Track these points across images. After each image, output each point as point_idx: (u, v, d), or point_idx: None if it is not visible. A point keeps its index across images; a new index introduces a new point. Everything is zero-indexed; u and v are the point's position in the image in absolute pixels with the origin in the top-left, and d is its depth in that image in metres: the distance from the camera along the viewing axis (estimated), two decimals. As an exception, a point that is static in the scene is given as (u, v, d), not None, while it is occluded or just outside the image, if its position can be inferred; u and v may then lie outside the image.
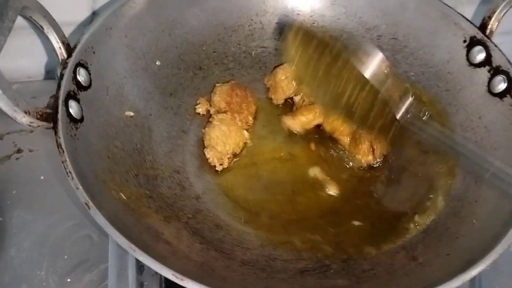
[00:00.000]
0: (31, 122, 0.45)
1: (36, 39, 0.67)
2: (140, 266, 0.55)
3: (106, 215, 0.41)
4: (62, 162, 0.43)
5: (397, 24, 0.66)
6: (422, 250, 0.49)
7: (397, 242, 0.52)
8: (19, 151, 0.66)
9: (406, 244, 0.51)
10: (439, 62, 0.63)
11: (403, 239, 0.52)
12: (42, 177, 0.63)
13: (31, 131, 0.67)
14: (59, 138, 0.44)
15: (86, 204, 0.41)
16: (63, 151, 0.44)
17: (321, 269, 0.50)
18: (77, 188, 0.42)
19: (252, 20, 0.68)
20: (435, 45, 0.63)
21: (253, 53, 0.69)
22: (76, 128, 0.48)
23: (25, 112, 0.45)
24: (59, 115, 0.46)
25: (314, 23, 0.69)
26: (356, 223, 0.55)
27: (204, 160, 0.59)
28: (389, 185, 0.58)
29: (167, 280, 0.54)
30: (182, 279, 0.37)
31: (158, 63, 0.63)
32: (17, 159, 0.65)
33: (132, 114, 0.57)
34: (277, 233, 0.54)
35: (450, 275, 0.41)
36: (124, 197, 0.49)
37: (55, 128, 0.45)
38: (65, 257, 0.57)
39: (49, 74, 0.72)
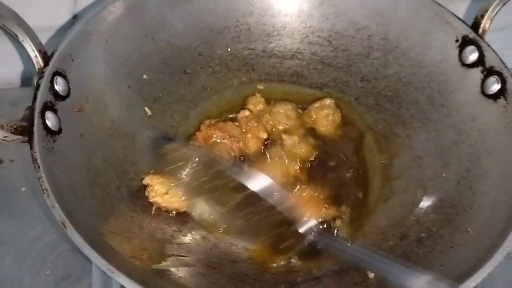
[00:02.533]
0: (5, 137, 0.43)
1: (14, 46, 0.65)
2: (125, 281, 0.53)
3: (84, 233, 0.39)
4: (38, 179, 0.41)
5: (388, 23, 0.64)
6: (415, 260, 0.48)
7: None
8: (-1, 161, 0.64)
9: (398, 253, 0.50)
10: (431, 63, 0.61)
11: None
12: (23, 189, 0.61)
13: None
14: (35, 152, 0.42)
15: (62, 223, 0.39)
16: (39, 167, 0.42)
17: (312, 282, 0.48)
18: (53, 206, 0.40)
19: (238, 21, 0.66)
20: (427, 45, 0.61)
21: (240, 56, 0.67)
22: (54, 141, 0.46)
23: (-2, 127, 0.42)
24: (35, 128, 0.44)
25: (302, 23, 0.67)
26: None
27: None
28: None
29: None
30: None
31: (145, 76, 0.60)
32: (-3, 170, 0.63)
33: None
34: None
35: (445, 289, 0.39)
36: (105, 212, 0.47)
37: (30, 142, 0.43)
38: (48, 272, 0.55)
39: (27, 81, 0.70)
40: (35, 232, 0.58)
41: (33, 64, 0.50)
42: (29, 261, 0.56)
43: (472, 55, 0.57)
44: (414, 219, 0.53)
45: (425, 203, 0.54)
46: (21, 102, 0.67)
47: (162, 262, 0.46)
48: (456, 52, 0.58)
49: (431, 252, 0.48)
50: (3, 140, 0.43)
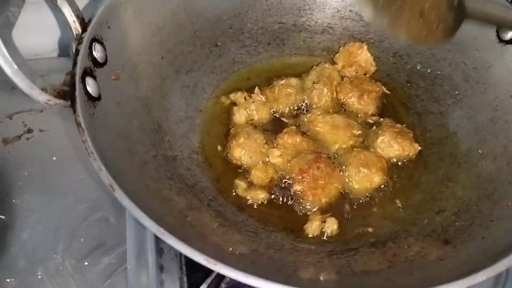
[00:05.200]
0: (48, 100, 0.43)
1: (46, 15, 0.65)
2: (159, 249, 0.53)
3: (130, 197, 0.39)
4: (83, 142, 0.41)
5: None
6: (454, 234, 0.48)
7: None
8: (29, 131, 0.64)
9: (435, 227, 0.50)
10: (466, 39, 0.60)
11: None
12: (54, 158, 0.61)
13: (41, 111, 0.65)
14: (78, 116, 0.42)
15: (110, 186, 0.39)
16: (83, 131, 0.41)
17: (349, 253, 0.48)
18: (100, 169, 0.39)
19: (269, -6, 0.65)
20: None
21: (270, 29, 0.66)
22: (94, 107, 0.46)
23: (42, 90, 0.42)
24: (77, 93, 0.44)
25: (335, -4, 0.66)
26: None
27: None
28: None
29: (187, 263, 0.53)
30: (215, 264, 0.36)
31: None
32: (27, 139, 0.63)
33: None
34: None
35: (490, 259, 0.39)
36: (144, 179, 0.47)
37: (73, 106, 0.43)
38: (81, 240, 0.56)
39: (60, 51, 0.70)
40: (67, 201, 0.58)
41: (71, 29, 0.50)
42: (62, 229, 0.56)
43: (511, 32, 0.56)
44: (450, 194, 0.53)
45: (461, 178, 0.54)
46: (49, 73, 0.67)
47: (202, 228, 0.46)
48: (494, 28, 0.57)
49: (470, 226, 0.48)
50: (46, 103, 0.43)
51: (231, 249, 0.44)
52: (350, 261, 0.47)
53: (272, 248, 0.48)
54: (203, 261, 0.36)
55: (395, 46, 0.65)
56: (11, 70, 0.40)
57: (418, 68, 0.63)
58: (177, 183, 0.50)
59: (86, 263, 0.54)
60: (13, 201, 0.57)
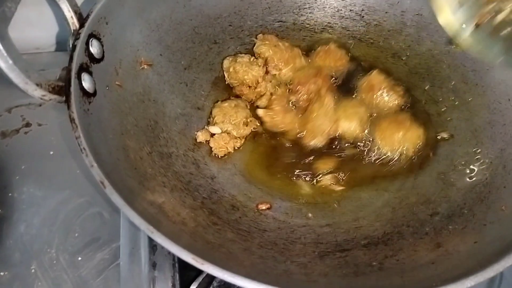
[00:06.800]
0: (43, 95, 0.43)
1: (45, 9, 0.65)
2: (153, 246, 0.53)
3: (121, 194, 0.39)
4: (76, 138, 0.41)
5: (423, -1, 0.63)
6: (446, 237, 0.48)
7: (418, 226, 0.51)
8: (27, 125, 0.64)
9: (429, 230, 0.49)
10: (467, 41, 0.59)
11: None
12: (51, 152, 0.62)
13: (40, 105, 0.65)
14: (72, 112, 0.42)
15: (101, 182, 0.39)
16: (77, 127, 0.41)
17: (341, 254, 0.48)
18: (92, 166, 0.40)
19: (269, -8, 0.65)
20: (462, 23, 0.60)
21: (270, 27, 0.66)
22: (89, 103, 0.46)
23: (37, 85, 0.42)
24: (72, 89, 0.44)
25: (334, -4, 0.66)
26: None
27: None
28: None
29: (180, 261, 0.53)
30: (202, 264, 0.36)
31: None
32: (25, 133, 0.63)
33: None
34: (295, 216, 0.52)
35: (481, 265, 0.39)
36: (138, 176, 0.47)
37: (67, 102, 0.43)
38: (76, 234, 0.56)
39: (59, 45, 0.70)
40: (63, 195, 0.58)
41: (69, 25, 0.50)
42: (57, 223, 0.56)
43: (511, 34, 0.56)
44: (445, 196, 0.52)
45: (456, 181, 0.53)
46: (49, 67, 0.68)
47: (195, 226, 0.46)
48: (495, 30, 0.57)
49: (463, 229, 0.48)
50: (41, 98, 0.43)
51: (223, 248, 0.44)
52: (342, 262, 0.47)
53: (265, 247, 0.48)
54: (190, 260, 0.36)
55: (395, 47, 0.64)
56: (6, 65, 0.40)
57: (417, 69, 0.63)
58: (171, 181, 0.50)
59: (79, 258, 0.54)
60: (10, 194, 0.58)
